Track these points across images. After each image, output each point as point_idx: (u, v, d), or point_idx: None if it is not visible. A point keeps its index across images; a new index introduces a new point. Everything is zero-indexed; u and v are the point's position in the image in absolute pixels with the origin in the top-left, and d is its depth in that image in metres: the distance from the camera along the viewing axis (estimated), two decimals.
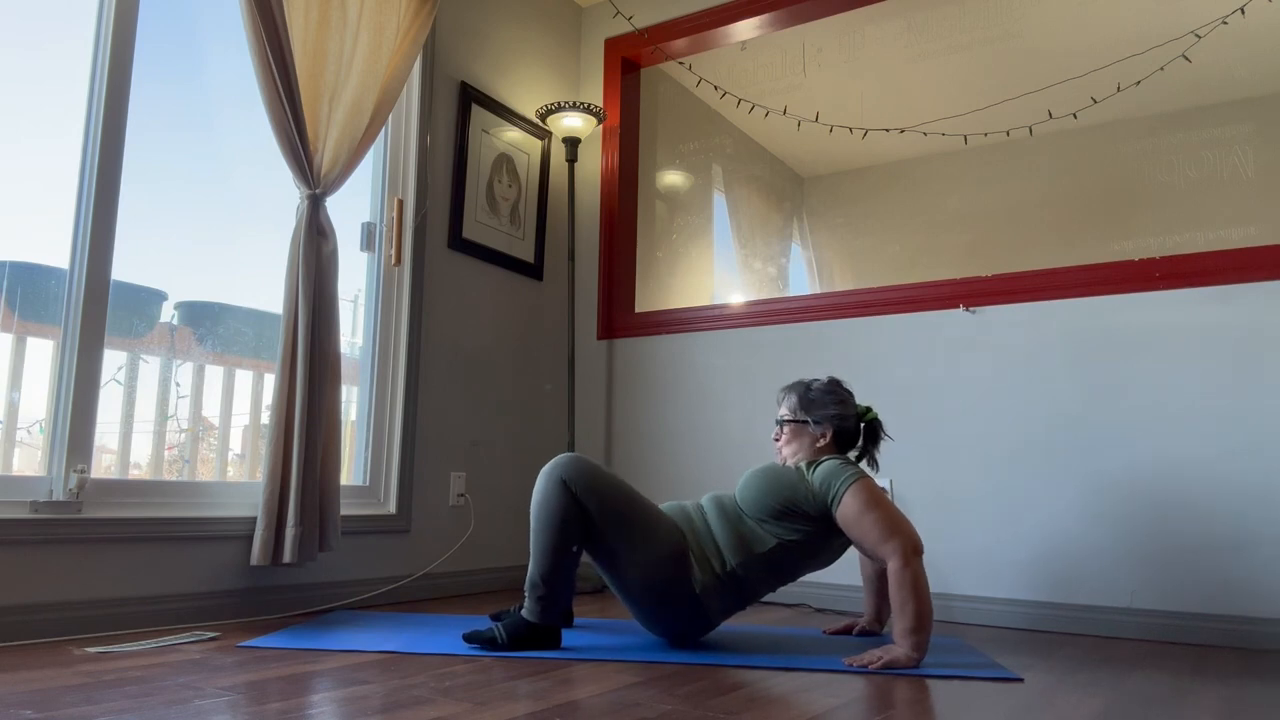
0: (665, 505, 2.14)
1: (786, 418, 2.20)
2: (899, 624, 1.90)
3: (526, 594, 2.00)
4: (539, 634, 1.99)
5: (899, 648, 1.89)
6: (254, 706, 1.43)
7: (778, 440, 2.22)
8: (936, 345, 2.84)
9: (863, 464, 2.22)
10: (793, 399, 2.21)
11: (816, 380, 2.23)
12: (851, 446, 2.21)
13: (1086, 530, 2.55)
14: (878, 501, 1.97)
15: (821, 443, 2.16)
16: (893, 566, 1.92)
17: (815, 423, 2.16)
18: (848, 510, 1.97)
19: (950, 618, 2.68)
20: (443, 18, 3.13)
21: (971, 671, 1.85)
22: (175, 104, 2.48)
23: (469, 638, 1.98)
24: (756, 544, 2.02)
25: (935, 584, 2.73)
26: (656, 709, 1.48)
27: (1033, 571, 2.60)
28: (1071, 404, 2.62)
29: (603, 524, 1.98)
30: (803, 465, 2.09)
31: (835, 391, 2.19)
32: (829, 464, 2.05)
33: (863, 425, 2.22)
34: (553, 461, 2.03)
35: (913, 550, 1.92)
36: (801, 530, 2.02)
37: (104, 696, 1.48)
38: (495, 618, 2.27)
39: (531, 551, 2.00)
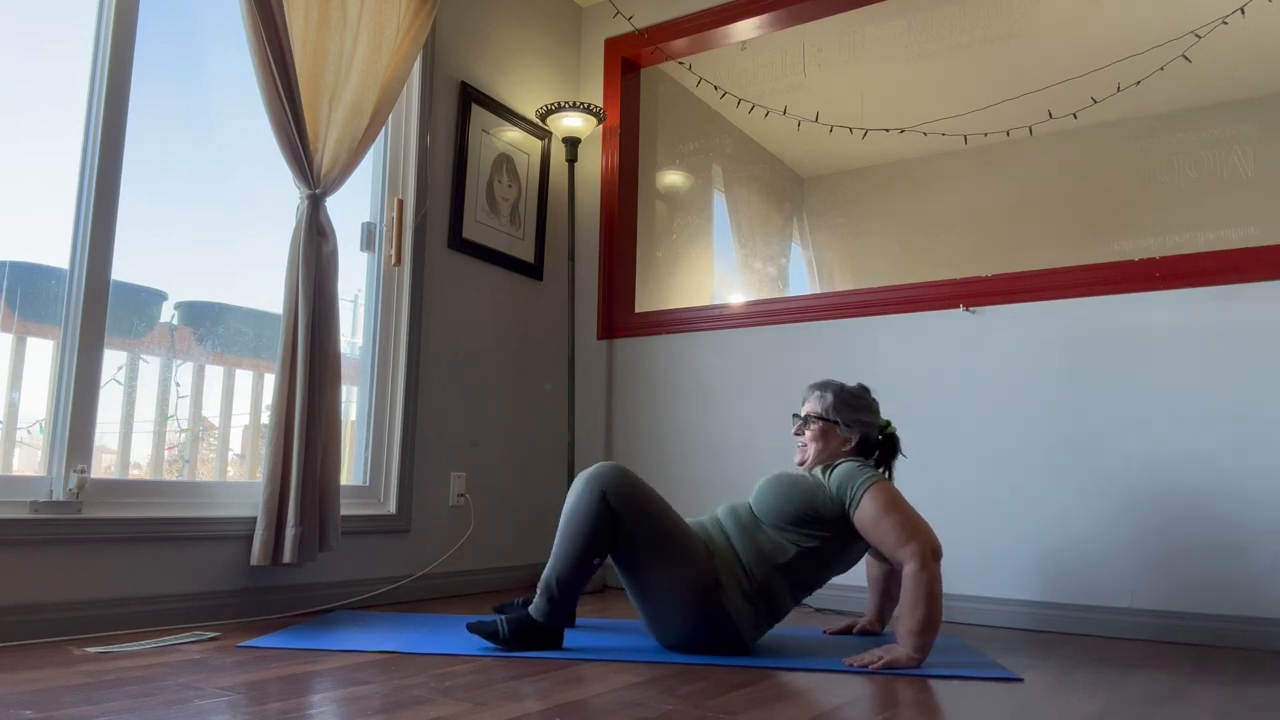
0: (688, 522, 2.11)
1: (818, 414, 2.16)
2: (905, 624, 1.89)
3: (539, 592, 1.98)
4: (543, 633, 1.98)
5: (901, 648, 1.88)
6: (254, 706, 1.43)
7: (800, 435, 2.19)
8: (936, 345, 2.84)
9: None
10: (828, 398, 2.16)
11: (850, 385, 2.21)
12: (869, 457, 2.20)
13: (1086, 530, 2.55)
14: (896, 505, 1.95)
15: (847, 447, 2.15)
16: (910, 569, 1.89)
17: (846, 425, 2.14)
18: (866, 513, 1.95)
19: (950, 618, 2.68)
20: (443, 18, 3.13)
21: (972, 671, 1.85)
22: (175, 104, 2.48)
23: (473, 627, 1.98)
24: (778, 553, 1.99)
25: None
26: (657, 709, 1.48)
27: (1033, 572, 2.60)
28: (1071, 404, 2.61)
29: (640, 543, 1.93)
30: (818, 470, 2.08)
31: (866, 399, 2.18)
32: (846, 467, 2.03)
33: (880, 438, 2.21)
34: (595, 470, 1.97)
35: (932, 554, 1.90)
36: (820, 536, 1.99)
37: (104, 696, 1.48)
38: (499, 610, 2.26)
39: (554, 552, 1.97)
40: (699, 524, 2.09)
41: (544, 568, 2.05)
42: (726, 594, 1.94)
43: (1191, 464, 2.44)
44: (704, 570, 1.94)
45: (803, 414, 2.20)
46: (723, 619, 1.93)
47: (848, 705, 1.55)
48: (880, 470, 2.13)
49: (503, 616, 2.00)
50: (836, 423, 2.14)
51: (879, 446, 2.21)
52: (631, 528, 1.93)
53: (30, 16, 2.20)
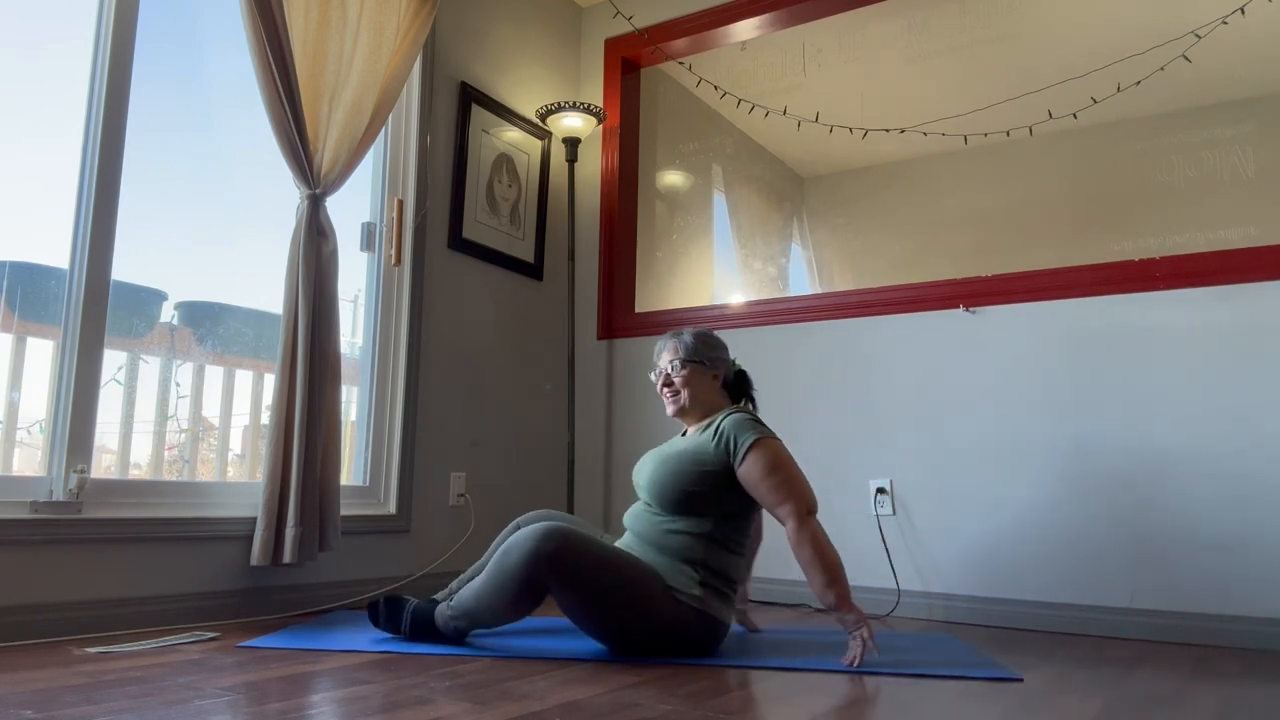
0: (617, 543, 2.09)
1: (684, 359, 2.16)
2: (815, 583, 1.90)
3: (455, 610, 1.95)
4: (441, 639, 2.01)
5: (848, 625, 1.89)
6: (254, 706, 1.43)
7: (669, 387, 2.17)
8: (936, 345, 2.84)
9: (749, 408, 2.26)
10: (687, 339, 2.19)
11: (694, 329, 2.24)
12: (735, 399, 2.25)
13: (1086, 530, 2.55)
14: (778, 464, 1.97)
15: (718, 382, 2.18)
16: (789, 529, 1.93)
17: (710, 362, 2.18)
18: (750, 471, 1.98)
19: (950, 618, 2.68)
20: (443, 18, 3.13)
21: (970, 671, 1.85)
22: (175, 104, 2.48)
23: (378, 603, 2.03)
24: (698, 527, 1.99)
25: (935, 584, 2.73)
26: (656, 709, 1.48)
27: (1033, 571, 2.60)
28: (1071, 404, 2.61)
29: (601, 609, 1.88)
30: (696, 430, 2.11)
31: (717, 338, 2.23)
32: (733, 419, 2.05)
33: (734, 374, 2.26)
34: (534, 544, 1.82)
35: (807, 510, 1.94)
36: (721, 499, 2.00)
37: (104, 696, 1.48)
38: (392, 603, 2.09)
39: (483, 592, 1.90)
40: (626, 545, 2.07)
41: (475, 579, 1.97)
42: (683, 594, 1.93)
43: (1191, 464, 2.44)
44: (658, 593, 1.91)
45: (663, 364, 2.19)
46: (693, 616, 1.93)
47: (847, 705, 1.55)
48: (765, 428, 2.07)
49: (410, 606, 2.02)
50: (702, 362, 2.17)
51: (735, 383, 2.25)
52: (582, 601, 1.88)
53: (30, 16, 2.20)
